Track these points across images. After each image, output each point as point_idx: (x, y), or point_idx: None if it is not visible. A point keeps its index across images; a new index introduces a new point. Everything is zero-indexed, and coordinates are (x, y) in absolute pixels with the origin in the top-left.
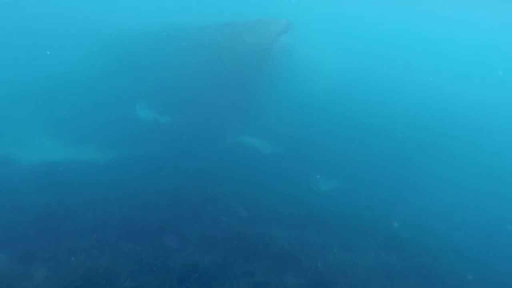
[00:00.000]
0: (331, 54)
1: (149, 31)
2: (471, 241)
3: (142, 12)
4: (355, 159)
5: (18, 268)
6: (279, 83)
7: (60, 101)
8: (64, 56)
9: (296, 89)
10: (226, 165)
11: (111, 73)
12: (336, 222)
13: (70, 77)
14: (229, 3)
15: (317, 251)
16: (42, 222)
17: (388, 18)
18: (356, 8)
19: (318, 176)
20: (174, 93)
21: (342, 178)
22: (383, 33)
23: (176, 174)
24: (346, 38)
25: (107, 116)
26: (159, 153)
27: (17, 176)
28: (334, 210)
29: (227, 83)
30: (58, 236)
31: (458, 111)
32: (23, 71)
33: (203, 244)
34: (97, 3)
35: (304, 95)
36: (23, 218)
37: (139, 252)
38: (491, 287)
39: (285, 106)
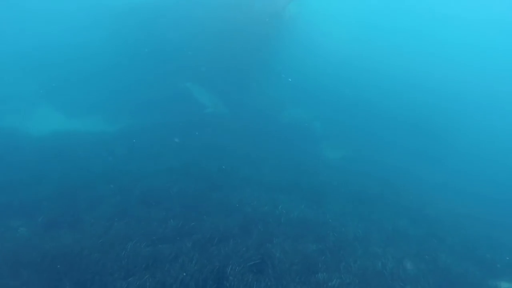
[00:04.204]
0: (340, 29)
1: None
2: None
3: None
4: (362, 130)
5: (45, 234)
6: (288, 55)
7: (66, 71)
8: (67, 26)
9: (305, 62)
10: (237, 137)
11: (118, 43)
12: (347, 190)
13: (75, 47)
14: None
15: (334, 218)
16: (61, 192)
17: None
18: None
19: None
20: (188, 63)
21: (349, 148)
22: (397, 9)
23: (190, 144)
24: (356, 9)
25: (118, 86)
26: (173, 124)
27: (28, 147)
28: (344, 179)
29: (240, 54)
30: (78, 204)
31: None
32: (27, 40)
33: (221, 211)
34: None
35: (314, 67)
36: (41, 188)
37: (160, 218)
38: None
39: (296, 78)
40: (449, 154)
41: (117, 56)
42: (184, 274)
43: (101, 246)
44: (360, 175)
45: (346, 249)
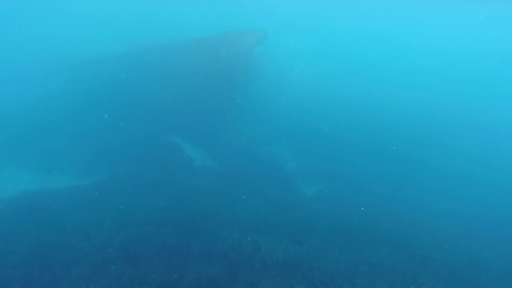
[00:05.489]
0: (306, 66)
1: (121, 52)
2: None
3: (108, 31)
4: (335, 163)
5: None
6: (255, 96)
7: (31, 127)
8: (29, 81)
9: (272, 102)
10: (212, 178)
11: (84, 97)
12: (326, 224)
13: (36, 103)
14: (203, 16)
15: (317, 255)
16: (35, 255)
17: (367, 31)
18: (333, 18)
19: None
20: (160, 113)
21: (324, 182)
22: (360, 47)
23: (164, 191)
24: (322, 48)
25: (90, 139)
26: (142, 174)
27: None
28: (322, 213)
29: (213, 98)
30: (54, 267)
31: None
32: None
33: (204, 259)
34: (62, 25)
35: (284, 104)
36: (12, 254)
37: (141, 273)
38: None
39: (261, 119)
40: (423, 177)
41: (84, 108)
42: None
43: None
44: (337, 208)
45: (334, 286)
